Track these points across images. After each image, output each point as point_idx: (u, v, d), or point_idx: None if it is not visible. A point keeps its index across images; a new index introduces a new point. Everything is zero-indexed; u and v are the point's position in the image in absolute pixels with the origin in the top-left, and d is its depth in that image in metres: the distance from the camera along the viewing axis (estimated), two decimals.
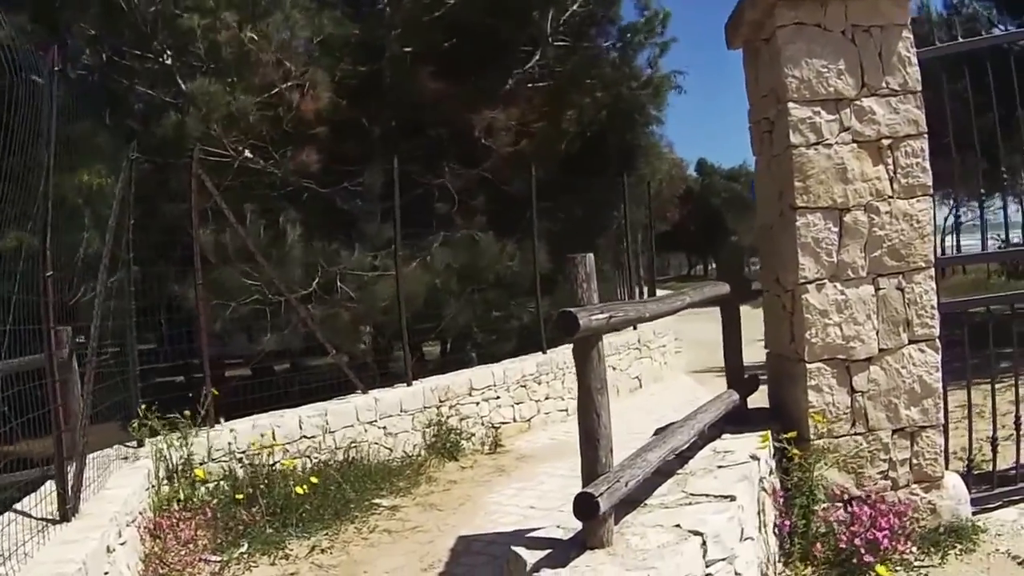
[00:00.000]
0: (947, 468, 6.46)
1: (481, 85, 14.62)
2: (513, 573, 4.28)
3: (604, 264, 19.18)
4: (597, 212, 17.19)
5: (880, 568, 5.48)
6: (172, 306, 11.21)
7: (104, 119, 11.58)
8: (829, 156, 6.18)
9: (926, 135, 6.26)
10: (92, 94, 12.37)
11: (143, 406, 8.52)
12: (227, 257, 11.24)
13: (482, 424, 12.08)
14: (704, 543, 4.24)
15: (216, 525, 7.92)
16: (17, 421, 5.76)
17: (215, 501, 8.31)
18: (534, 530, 4.63)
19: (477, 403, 12.12)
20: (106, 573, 5.70)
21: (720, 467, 5.56)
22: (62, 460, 6.01)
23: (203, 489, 8.45)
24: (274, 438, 9.37)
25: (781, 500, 5.97)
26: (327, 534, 8.25)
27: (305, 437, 9.74)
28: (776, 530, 5.83)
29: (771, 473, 6.08)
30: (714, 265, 59.66)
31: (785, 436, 6.13)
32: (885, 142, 6.22)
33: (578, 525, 4.23)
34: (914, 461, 6.27)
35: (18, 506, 6.25)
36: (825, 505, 5.99)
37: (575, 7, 15.69)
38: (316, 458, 9.63)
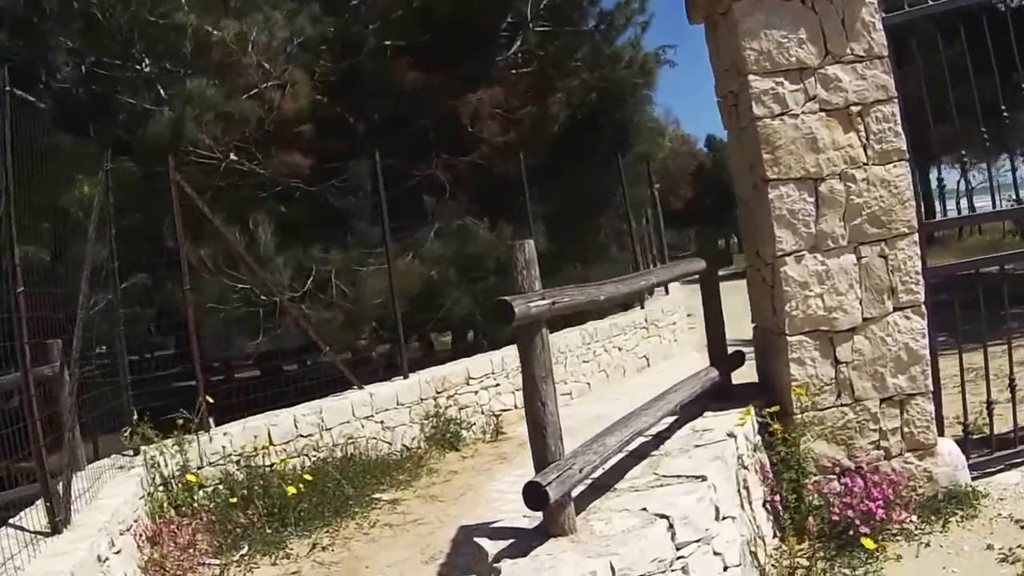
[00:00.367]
0: (943, 435, 6.38)
1: (464, 73, 14.53)
2: (478, 564, 4.24)
3: (611, 244, 19.15)
4: (594, 193, 17.06)
5: (866, 540, 5.41)
6: (167, 312, 11.28)
7: (89, 130, 11.61)
8: (796, 126, 6.09)
9: (896, 99, 6.17)
10: (76, 106, 12.43)
11: (135, 414, 8.56)
12: (215, 262, 11.23)
13: (482, 412, 12.04)
14: (671, 526, 4.18)
15: (215, 529, 7.96)
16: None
17: (213, 505, 8.35)
18: (498, 520, 4.59)
19: (476, 392, 12.09)
20: None
21: (697, 446, 5.50)
22: (45, 474, 6.01)
23: (201, 493, 8.48)
24: (270, 439, 9.41)
25: (771, 476, 5.91)
26: (328, 531, 8.25)
27: (302, 436, 9.75)
28: (767, 506, 5.79)
29: (756, 449, 6.03)
30: (736, 239, 59.29)
31: (768, 411, 6.06)
32: (854, 109, 6.13)
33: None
34: (905, 429, 6.18)
35: (14, 520, 6.29)
36: (817, 478, 5.94)
37: None
38: (314, 456, 9.66)
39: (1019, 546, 5.38)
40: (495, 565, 3.91)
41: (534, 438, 4.14)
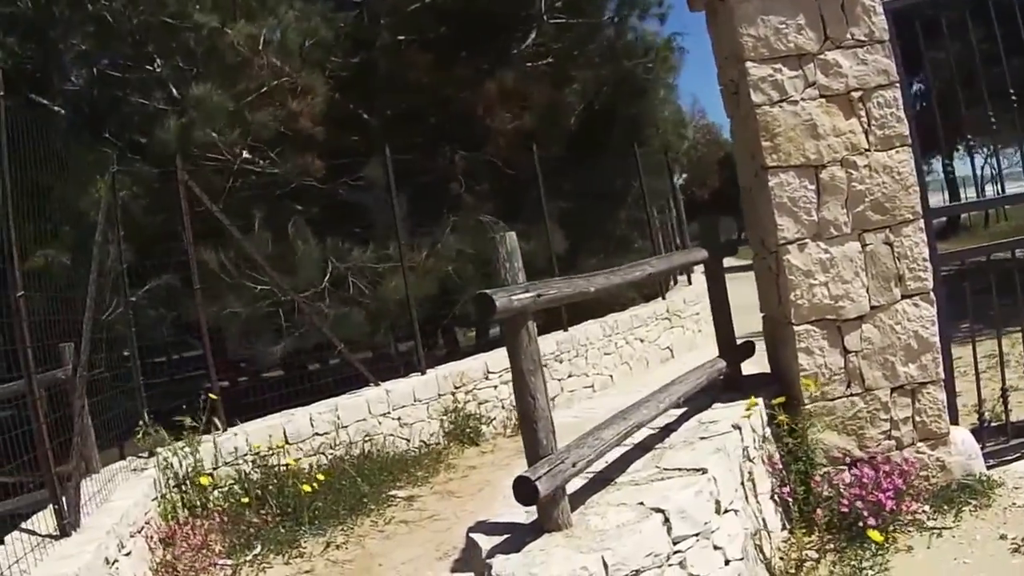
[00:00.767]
0: (957, 423, 6.31)
1: (478, 67, 14.51)
2: (473, 560, 4.23)
3: (631, 235, 19.08)
4: (613, 185, 17.00)
5: (872, 533, 5.35)
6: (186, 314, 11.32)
7: (102, 133, 11.67)
8: (796, 113, 6.03)
9: (898, 84, 6.11)
10: (90, 109, 12.50)
11: (147, 416, 8.61)
12: (230, 263, 11.26)
13: (502, 407, 11.97)
14: (667, 520, 4.14)
15: (228, 529, 7.95)
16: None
17: (226, 505, 8.35)
18: (497, 516, 4.58)
19: (495, 386, 12.04)
20: None
21: (701, 439, 5.45)
22: (52, 477, 6.01)
23: (215, 494, 8.49)
24: (286, 437, 9.42)
25: (779, 467, 5.87)
26: (342, 529, 8.24)
27: (318, 434, 9.75)
28: (775, 498, 5.74)
29: (764, 441, 5.98)
30: None
31: (775, 401, 6.01)
32: (855, 94, 6.07)
33: None
34: (917, 419, 6.12)
35: (25, 524, 6.32)
36: (827, 469, 5.89)
37: None
38: (331, 454, 9.67)
39: None
40: (488, 561, 3.91)
41: (525, 432, 4.13)
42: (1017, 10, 6.44)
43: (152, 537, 7.23)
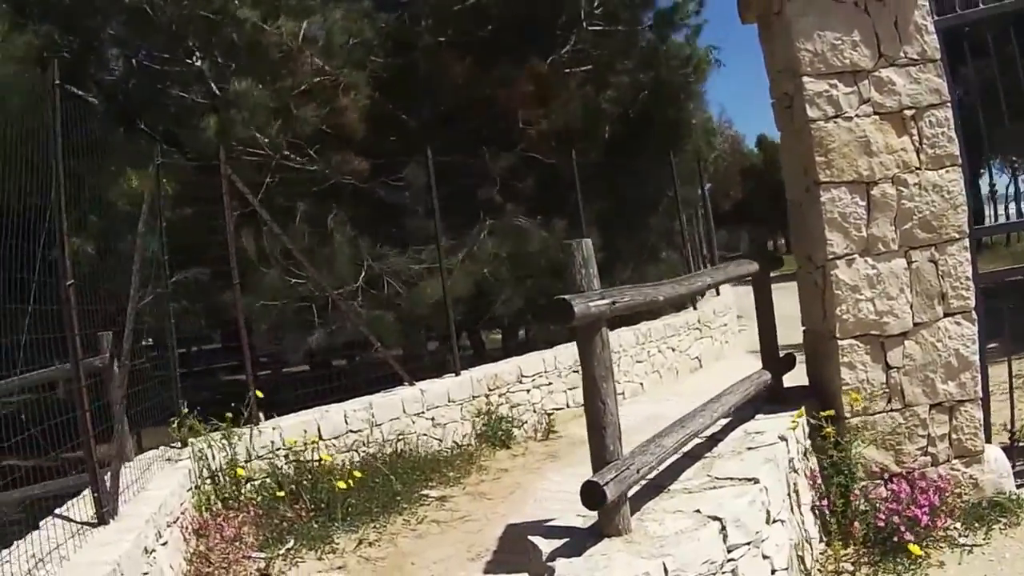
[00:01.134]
0: (990, 441, 6.33)
1: (517, 71, 14.51)
2: (532, 563, 4.28)
3: (660, 244, 19.12)
4: (646, 192, 17.06)
5: (912, 547, 5.40)
6: (217, 307, 11.40)
7: (139, 124, 11.75)
8: (850, 129, 6.07)
9: (949, 104, 6.13)
10: (126, 100, 12.57)
11: (184, 407, 8.64)
12: (267, 257, 11.33)
13: (534, 411, 12.01)
14: (723, 528, 4.19)
15: (261, 522, 7.94)
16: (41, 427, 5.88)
17: (260, 498, 8.36)
18: (552, 519, 4.63)
19: (528, 390, 12.05)
20: (145, 574, 5.73)
21: (749, 449, 5.49)
22: (94, 465, 6.03)
23: (248, 487, 8.50)
24: (319, 433, 9.42)
25: (819, 480, 5.92)
26: (375, 527, 8.24)
27: (352, 431, 9.76)
28: (815, 510, 5.79)
29: (806, 453, 6.03)
30: (783, 241, 59.03)
31: (821, 415, 6.05)
32: (908, 113, 6.10)
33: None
34: (953, 436, 6.16)
35: (59, 510, 6.32)
36: (864, 483, 5.94)
37: None
38: (363, 452, 9.66)
39: None
40: (549, 564, 3.94)
41: (593, 437, 4.16)
42: None
43: (187, 527, 7.25)
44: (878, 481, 5.98)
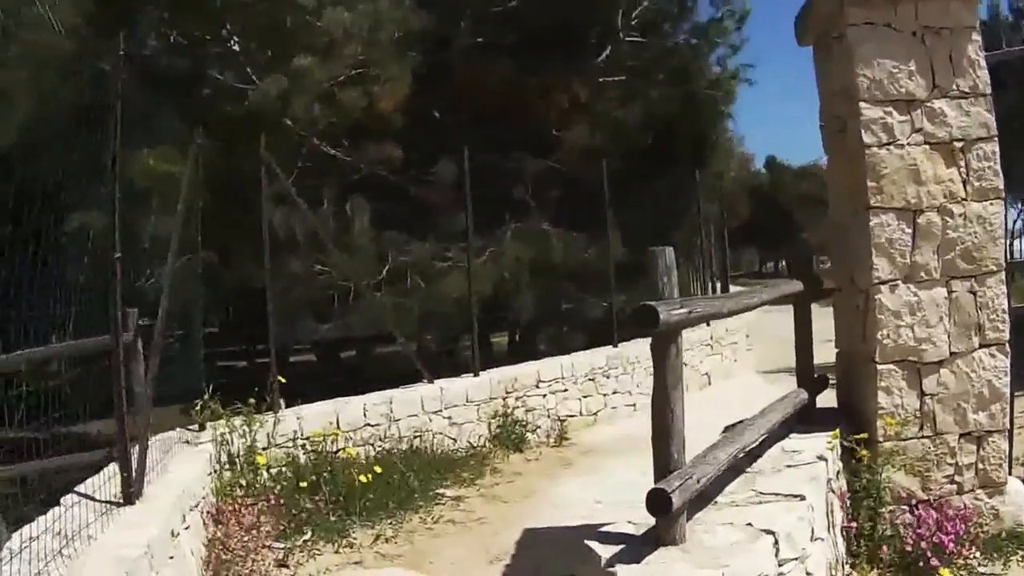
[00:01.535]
0: (1011, 473, 6.43)
1: (553, 76, 14.56)
2: (586, 567, 4.31)
3: (679, 258, 19.18)
4: (671, 205, 17.09)
5: (944, 572, 5.46)
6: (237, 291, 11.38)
7: (172, 102, 11.72)
8: (902, 157, 6.15)
9: (996, 138, 6.22)
10: (160, 78, 12.53)
11: (208, 389, 8.59)
12: (296, 243, 11.34)
13: (548, 416, 12.01)
14: (776, 542, 4.22)
15: (279, 512, 7.79)
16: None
17: (278, 488, 8.26)
18: (605, 525, 4.64)
19: (544, 395, 12.06)
20: (171, 557, 5.65)
21: (788, 466, 5.53)
22: (126, 443, 5.96)
23: (266, 475, 8.42)
24: (338, 425, 9.40)
25: (848, 501, 5.97)
26: (391, 523, 8.21)
27: (369, 425, 9.76)
28: (843, 532, 5.84)
29: (838, 475, 6.07)
30: (784, 263, 59.20)
31: (855, 437, 6.10)
32: (957, 144, 6.20)
33: (649, 521, 4.20)
34: (979, 466, 6.26)
35: (81, 488, 6.19)
36: (891, 508, 6.00)
37: (647, 2, 15.73)
38: (380, 446, 9.65)
39: None
40: (609, 569, 3.97)
41: (658, 445, 4.18)
42: None
43: (207, 512, 7.18)
44: (904, 506, 6.04)
